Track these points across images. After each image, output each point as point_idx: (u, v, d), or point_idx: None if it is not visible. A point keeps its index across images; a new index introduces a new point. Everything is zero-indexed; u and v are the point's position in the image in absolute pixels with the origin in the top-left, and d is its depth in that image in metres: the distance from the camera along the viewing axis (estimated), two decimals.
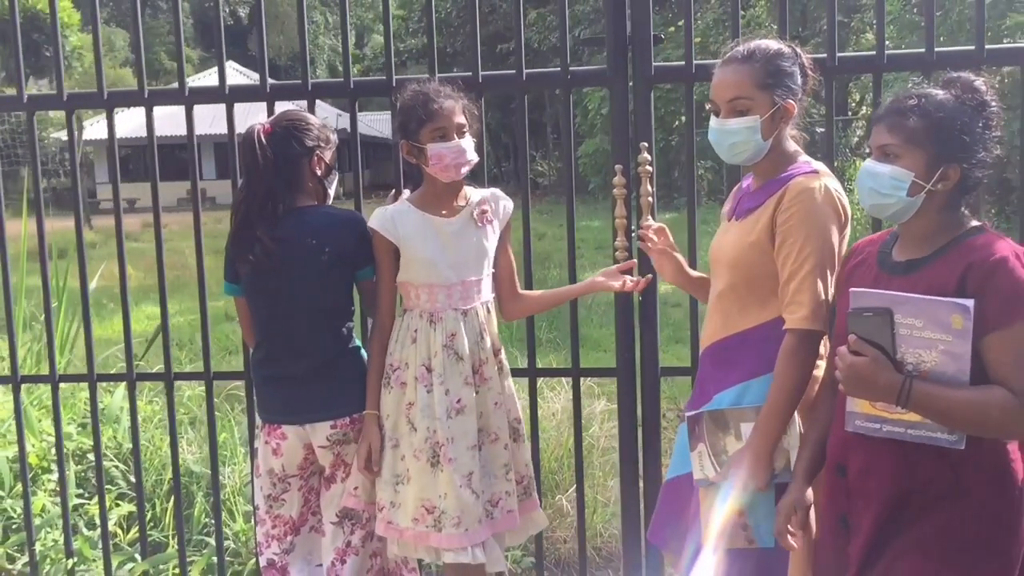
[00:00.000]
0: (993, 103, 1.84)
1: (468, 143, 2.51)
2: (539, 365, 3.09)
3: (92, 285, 5.30)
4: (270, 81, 3.00)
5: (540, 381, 4.03)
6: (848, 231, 2.13)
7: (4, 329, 4.46)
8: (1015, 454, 1.81)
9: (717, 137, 2.19)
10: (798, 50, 2.20)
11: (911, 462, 1.81)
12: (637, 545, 2.95)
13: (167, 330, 3.12)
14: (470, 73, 2.88)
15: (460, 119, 2.51)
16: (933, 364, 1.74)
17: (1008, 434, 1.76)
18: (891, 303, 1.76)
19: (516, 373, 2.80)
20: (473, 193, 2.62)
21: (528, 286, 2.86)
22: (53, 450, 3.88)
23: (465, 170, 2.54)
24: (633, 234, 2.65)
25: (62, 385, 3.31)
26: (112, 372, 3.89)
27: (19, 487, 3.66)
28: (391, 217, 2.54)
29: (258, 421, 2.66)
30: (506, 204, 2.65)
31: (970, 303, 1.68)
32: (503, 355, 2.64)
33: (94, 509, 3.51)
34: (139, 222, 14.66)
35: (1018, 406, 1.69)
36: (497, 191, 2.66)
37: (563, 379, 4.68)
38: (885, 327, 1.76)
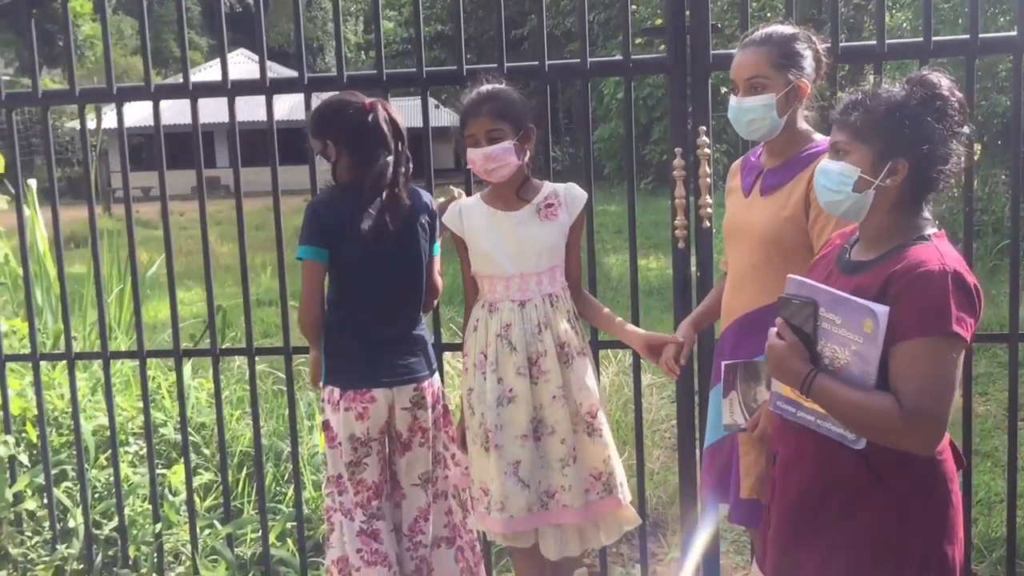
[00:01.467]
0: (951, 96, 1.80)
1: (498, 149, 2.55)
2: None
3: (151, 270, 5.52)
4: (347, 72, 3.14)
5: None
6: None
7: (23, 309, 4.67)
8: (944, 453, 1.81)
9: (735, 114, 2.37)
10: (812, 36, 2.37)
11: (829, 457, 1.84)
12: (693, 506, 3.12)
13: (248, 307, 3.30)
14: (536, 62, 3.04)
15: (492, 125, 2.55)
16: (845, 363, 1.76)
17: (885, 442, 1.74)
18: (817, 295, 1.81)
19: None
20: (546, 187, 2.70)
21: (590, 279, 2.98)
22: (128, 423, 4.09)
23: (499, 175, 2.59)
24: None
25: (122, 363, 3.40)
26: (197, 348, 4.10)
27: (98, 458, 3.87)
28: (458, 212, 2.71)
29: (329, 391, 2.69)
30: (577, 196, 2.70)
31: (884, 310, 1.69)
32: (572, 348, 2.64)
33: (172, 478, 3.71)
34: (155, 210, 14.79)
35: (899, 418, 1.68)
36: (572, 185, 2.73)
37: (608, 355, 4.89)
38: (809, 317, 1.81)
